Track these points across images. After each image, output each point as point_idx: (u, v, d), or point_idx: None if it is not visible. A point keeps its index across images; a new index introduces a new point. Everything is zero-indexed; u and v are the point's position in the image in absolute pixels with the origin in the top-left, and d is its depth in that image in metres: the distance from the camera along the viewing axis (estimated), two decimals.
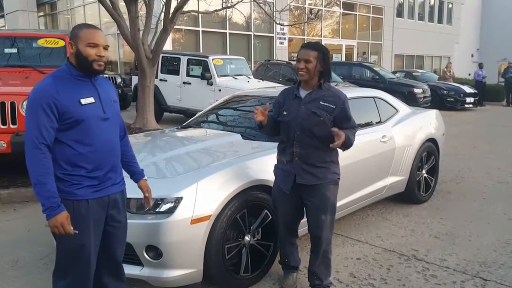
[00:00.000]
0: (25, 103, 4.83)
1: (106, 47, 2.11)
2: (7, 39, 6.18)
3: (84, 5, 18.48)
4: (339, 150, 2.83)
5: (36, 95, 2.01)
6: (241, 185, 2.90)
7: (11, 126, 4.81)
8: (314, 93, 2.73)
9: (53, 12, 20.99)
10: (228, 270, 2.88)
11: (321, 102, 2.70)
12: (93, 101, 2.10)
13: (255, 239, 3.08)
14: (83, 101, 2.06)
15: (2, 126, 4.80)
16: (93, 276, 2.24)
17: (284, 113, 2.79)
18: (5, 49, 6.05)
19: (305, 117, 2.69)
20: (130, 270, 2.66)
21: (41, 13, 21.40)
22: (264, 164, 3.13)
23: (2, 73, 5.66)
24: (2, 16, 22.27)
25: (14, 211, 4.67)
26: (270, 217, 3.12)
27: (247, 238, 3.01)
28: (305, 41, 19.20)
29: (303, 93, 2.77)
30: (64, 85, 2.04)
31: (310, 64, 2.65)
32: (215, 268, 2.81)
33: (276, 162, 2.95)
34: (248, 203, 2.97)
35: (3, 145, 4.70)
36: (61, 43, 6.24)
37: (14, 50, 6.10)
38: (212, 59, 9.85)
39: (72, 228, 2.02)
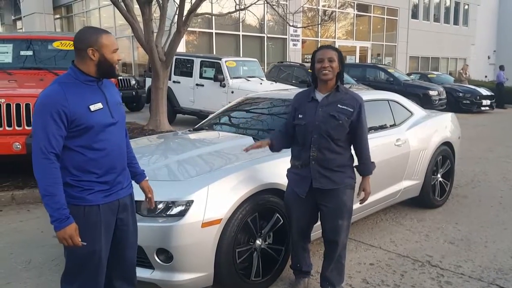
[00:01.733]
0: None
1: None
2: (23, 42, 6.26)
3: (99, 8, 18.70)
4: (354, 155, 2.83)
5: (44, 102, 1.96)
6: (253, 188, 2.87)
7: (26, 127, 4.86)
8: (331, 96, 2.70)
9: (69, 14, 21.27)
10: (238, 274, 2.86)
11: (339, 105, 2.66)
12: (101, 106, 2.08)
13: (266, 243, 3.06)
14: (92, 107, 2.04)
15: (17, 128, 4.86)
16: (103, 281, 2.23)
17: (300, 116, 2.74)
18: (21, 52, 6.13)
19: (323, 120, 2.64)
20: (140, 273, 2.65)
21: (57, 16, 21.71)
22: (276, 167, 3.10)
23: (17, 75, 5.73)
24: (20, 19, 22.68)
25: (28, 211, 4.72)
26: (282, 221, 3.08)
27: (258, 242, 2.99)
28: (319, 43, 19.27)
29: (319, 96, 2.73)
30: (72, 92, 2.00)
31: (334, 63, 2.63)
32: (226, 272, 2.79)
33: (289, 166, 2.91)
34: (259, 207, 2.94)
35: (18, 146, 4.75)
36: None
37: (30, 53, 6.17)
38: (225, 61, 9.86)
39: (80, 239, 2.00)
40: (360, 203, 2.85)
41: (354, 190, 2.80)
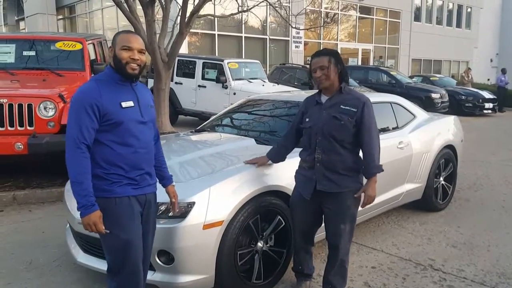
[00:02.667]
0: (42, 105, 4.89)
1: (141, 51, 2.18)
2: (26, 42, 6.26)
3: (102, 9, 18.73)
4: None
5: (79, 97, 2.10)
6: (254, 190, 2.86)
7: (28, 128, 4.86)
8: (334, 98, 2.70)
9: (72, 15, 21.31)
10: (240, 276, 2.84)
11: (341, 106, 2.66)
12: (132, 104, 2.19)
13: (268, 245, 3.04)
14: (124, 104, 2.15)
15: (19, 128, 4.85)
16: (142, 274, 2.27)
17: (307, 119, 2.79)
18: (23, 52, 6.13)
19: (326, 122, 2.65)
20: None
21: (60, 16, 21.75)
22: (278, 169, 3.09)
23: (20, 76, 5.74)
24: (23, 19, 22.72)
25: (29, 212, 4.72)
26: (283, 223, 3.07)
27: (259, 244, 2.97)
28: (321, 45, 19.27)
29: (324, 98, 2.75)
30: (106, 89, 2.13)
31: (326, 70, 2.63)
32: (227, 274, 2.77)
33: (296, 168, 2.91)
34: (261, 209, 2.93)
35: (20, 146, 4.74)
36: (78, 46, 6.30)
37: (33, 53, 6.18)
38: (227, 63, 9.87)
39: (103, 227, 2.08)
40: (360, 207, 2.80)
41: (360, 195, 2.73)
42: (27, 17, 21.59)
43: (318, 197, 2.74)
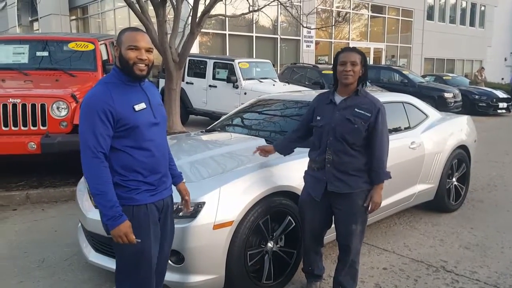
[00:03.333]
0: (54, 105, 4.94)
1: (148, 50, 2.07)
2: (39, 43, 6.33)
3: (114, 9, 18.87)
4: None
5: (91, 102, 1.99)
6: (265, 191, 2.86)
7: (41, 127, 4.92)
8: (349, 100, 2.66)
9: (85, 16, 21.51)
10: (250, 276, 2.84)
11: (356, 110, 2.61)
12: (145, 106, 2.10)
13: (278, 246, 3.04)
14: (137, 107, 2.05)
15: (32, 128, 4.91)
16: (154, 281, 2.23)
17: (318, 118, 2.73)
18: (37, 52, 6.20)
19: (339, 123, 2.61)
20: None
21: (73, 17, 21.96)
22: (288, 170, 3.08)
23: (33, 76, 5.80)
24: (36, 20, 22.99)
25: (42, 211, 4.77)
26: (294, 224, 3.06)
27: (270, 244, 2.97)
28: (332, 44, 19.17)
29: (338, 98, 2.70)
30: (116, 92, 2.03)
31: (356, 67, 2.59)
32: (237, 275, 2.77)
33: (305, 168, 2.89)
34: (271, 209, 2.92)
35: (33, 146, 4.80)
36: (91, 47, 6.34)
37: (46, 53, 6.24)
38: (238, 63, 9.87)
39: (134, 237, 2.01)
40: (367, 213, 2.75)
41: (368, 203, 2.71)
42: (40, 17, 21.85)
43: (328, 198, 2.71)
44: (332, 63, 2.76)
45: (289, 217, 3.04)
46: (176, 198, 2.59)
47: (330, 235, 3.09)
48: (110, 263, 2.90)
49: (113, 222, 1.96)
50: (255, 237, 2.88)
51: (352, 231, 2.70)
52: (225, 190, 2.74)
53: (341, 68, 2.61)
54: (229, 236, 2.69)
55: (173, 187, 2.39)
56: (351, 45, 19.66)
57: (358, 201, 2.67)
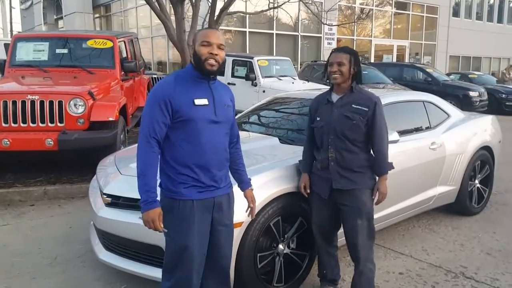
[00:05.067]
0: (72, 102, 4.97)
1: (220, 46, 2.13)
2: (59, 40, 6.40)
3: (136, 7, 19.04)
4: None
5: (155, 91, 2.11)
6: (275, 192, 2.79)
7: (58, 124, 4.96)
8: (345, 97, 2.72)
9: (108, 14, 21.79)
10: (260, 279, 2.78)
11: (353, 106, 2.67)
12: (207, 103, 2.13)
13: (290, 248, 2.96)
14: (197, 101, 2.10)
15: (50, 124, 4.96)
16: (199, 280, 2.22)
17: (318, 118, 2.80)
18: (56, 50, 6.27)
19: (338, 121, 2.67)
20: (158, 273, 2.61)
21: (97, 15, 22.27)
22: (298, 170, 2.99)
23: (52, 73, 5.87)
24: (61, 18, 23.41)
25: (59, 207, 4.81)
26: (306, 225, 2.99)
27: (281, 246, 2.90)
28: (354, 41, 18.93)
29: (335, 97, 2.76)
30: (182, 85, 2.11)
31: (343, 66, 2.66)
32: (246, 277, 2.71)
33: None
34: (282, 211, 2.85)
35: (50, 142, 4.84)
36: (109, 44, 6.38)
37: (65, 51, 6.31)
38: (257, 60, 9.80)
39: (162, 226, 2.06)
40: (375, 204, 2.77)
41: (373, 191, 2.75)
42: (65, 16, 22.25)
43: (334, 196, 2.73)
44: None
45: (301, 219, 2.97)
46: None
47: (343, 238, 3.00)
48: (120, 262, 2.89)
49: (144, 206, 2.03)
50: (266, 239, 2.82)
51: (358, 226, 2.68)
52: (234, 191, 2.67)
53: (329, 69, 2.71)
54: (238, 237, 2.63)
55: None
56: (373, 43, 19.50)
57: (362, 196, 2.69)
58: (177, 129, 2.09)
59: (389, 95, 4.03)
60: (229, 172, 2.35)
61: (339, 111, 2.68)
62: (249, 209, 2.43)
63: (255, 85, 9.60)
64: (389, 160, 2.75)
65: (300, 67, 14.81)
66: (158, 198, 2.08)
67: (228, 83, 10.15)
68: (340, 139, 2.65)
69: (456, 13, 23.54)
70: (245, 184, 2.44)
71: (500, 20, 26.16)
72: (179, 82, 2.12)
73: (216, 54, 2.10)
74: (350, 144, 2.65)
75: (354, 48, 18.76)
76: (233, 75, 10.20)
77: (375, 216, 3.42)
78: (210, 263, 2.26)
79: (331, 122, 2.68)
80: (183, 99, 2.07)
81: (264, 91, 9.29)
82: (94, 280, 3.19)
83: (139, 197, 2.07)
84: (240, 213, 2.62)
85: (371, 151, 2.73)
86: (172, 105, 2.06)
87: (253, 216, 2.47)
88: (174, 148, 2.11)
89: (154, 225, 2.05)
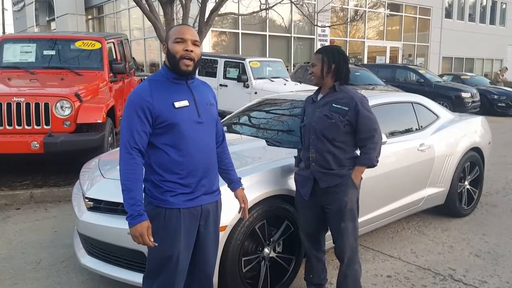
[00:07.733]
0: (58, 104, 4.90)
1: (195, 43, 2.02)
2: (46, 42, 6.33)
3: (129, 9, 18.93)
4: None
5: (131, 99, 2.00)
6: (261, 194, 2.74)
7: (45, 126, 4.89)
8: (327, 96, 2.69)
9: (100, 15, 21.67)
10: (244, 283, 2.73)
11: (333, 105, 2.63)
12: (187, 104, 2.03)
13: (276, 252, 2.92)
14: (177, 104, 2.00)
15: (36, 127, 4.89)
16: (182, 286, 2.15)
17: (304, 118, 2.79)
18: (44, 51, 6.20)
19: (317, 121, 2.65)
20: (139, 278, 2.56)
21: (89, 16, 22.16)
22: (286, 172, 2.96)
23: (40, 75, 5.80)
24: (53, 19, 23.27)
25: (45, 210, 4.74)
26: (292, 229, 2.94)
27: (266, 250, 2.86)
28: (347, 43, 18.93)
29: (319, 97, 2.75)
30: (158, 89, 2.00)
31: (315, 67, 2.67)
32: (231, 281, 2.67)
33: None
34: (268, 214, 2.81)
35: (36, 145, 4.77)
36: (98, 45, 6.32)
37: (53, 52, 6.24)
38: (249, 62, 9.76)
39: (152, 240, 1.96)
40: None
41: (357, 190, 2.67)
42: (57, 17, 22.11)
43: (318, 197, 2.68)
44: None
45: (287, 222, 2.93)
46: None
47: (331, 240, 2.96)
48: (102, 267, 2.83)
49: (132, 221, 1.93)
50: (251, 242, 2.78)
51: (341, 229, 2.65)
52: (222, 191, 2.63)
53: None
54: (222, 241, 2.58)
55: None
56: (366, 44, 19.52)
57: (344, 197, 2.62)
58: (160, 135, 1.99)
59: (377, 97, 4.00)
60: (219, 177, 2.25)
61: (320, 111, 2.65)
62: (242, 209, 2.36)
63: (247, 87, 9.56)
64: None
65: (293, 69, 14.80)
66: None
67: (220, 85, 10.13)
68: (320, 139, 2.61)
69: (449, 15, 23.62)
70: (235, 184, 2.35)
71: (492, 22, 26.28)
72: (155, 86, 2.01)
73: (191, 51, 1.99)
74: (329, 145, 2.60)
75: (347, 50, 18.86)
76: (225, 77, 10.17)
77: (364, 218, 3.41)
78: (194, 269, 2.20)
79: (311, 121, 2.67)
80: (161, 104, 1.97)
81: (256, 93, 9.26)
82: (77, 285, 3.13)
83: (122, 201, 2.00)
84: (224, 216, 2.58)
85: (355, 152, 2.67)
86: (151, 112, 1.95)
87: (246, 216, 2.39)
88: (159, 154, 2.01)
89: (143, 239, 1.94)
